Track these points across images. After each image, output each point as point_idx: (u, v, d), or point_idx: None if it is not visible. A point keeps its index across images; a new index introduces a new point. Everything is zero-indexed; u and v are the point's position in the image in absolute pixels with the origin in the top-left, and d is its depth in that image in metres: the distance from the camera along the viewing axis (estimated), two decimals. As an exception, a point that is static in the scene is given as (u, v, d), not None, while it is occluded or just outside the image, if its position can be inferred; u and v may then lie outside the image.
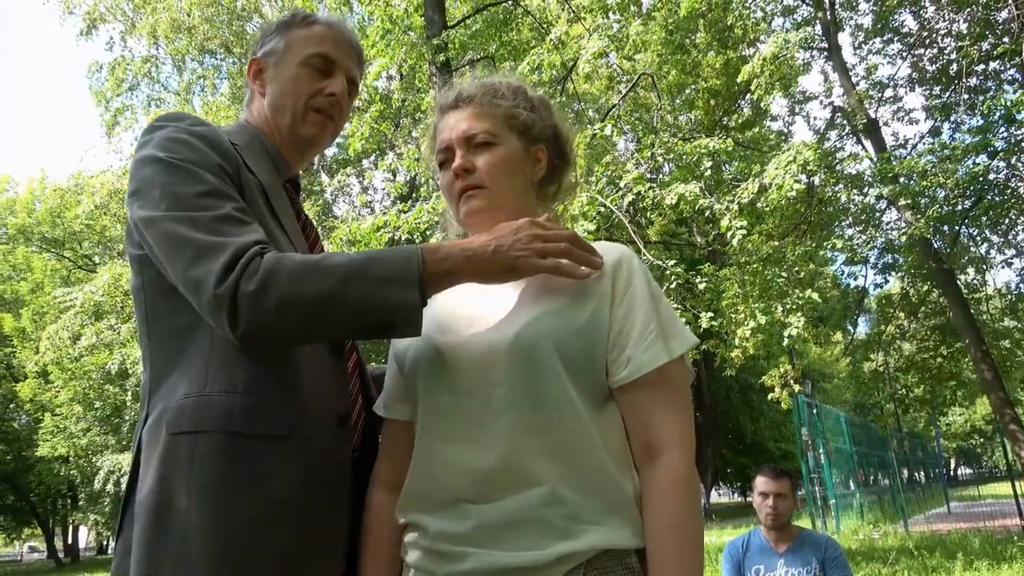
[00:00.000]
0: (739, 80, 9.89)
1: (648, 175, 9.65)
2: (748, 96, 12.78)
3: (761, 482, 3.48)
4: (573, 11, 10.48)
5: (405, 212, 9.72)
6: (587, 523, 1.01)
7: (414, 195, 18.07)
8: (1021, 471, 11.04)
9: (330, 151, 25.30)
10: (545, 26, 11.08)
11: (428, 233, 10.17)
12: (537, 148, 1.23)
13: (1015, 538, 9.84)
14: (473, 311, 1.17)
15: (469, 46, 11.52)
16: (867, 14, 12.77)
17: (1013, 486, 13.39)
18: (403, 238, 9.96)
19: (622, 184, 8.74)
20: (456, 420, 1.09)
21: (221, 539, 1.05)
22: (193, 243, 1.08)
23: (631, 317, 1.09)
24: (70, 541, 32.34)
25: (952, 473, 44.79)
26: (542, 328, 1.07)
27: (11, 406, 24.84)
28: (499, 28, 11.24)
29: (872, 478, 18.85)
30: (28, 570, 29.08)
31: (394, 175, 17.62)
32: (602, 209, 8.80)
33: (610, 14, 10.67)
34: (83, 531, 34.43)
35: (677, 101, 12.82)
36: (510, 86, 1.25)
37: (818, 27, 12.32)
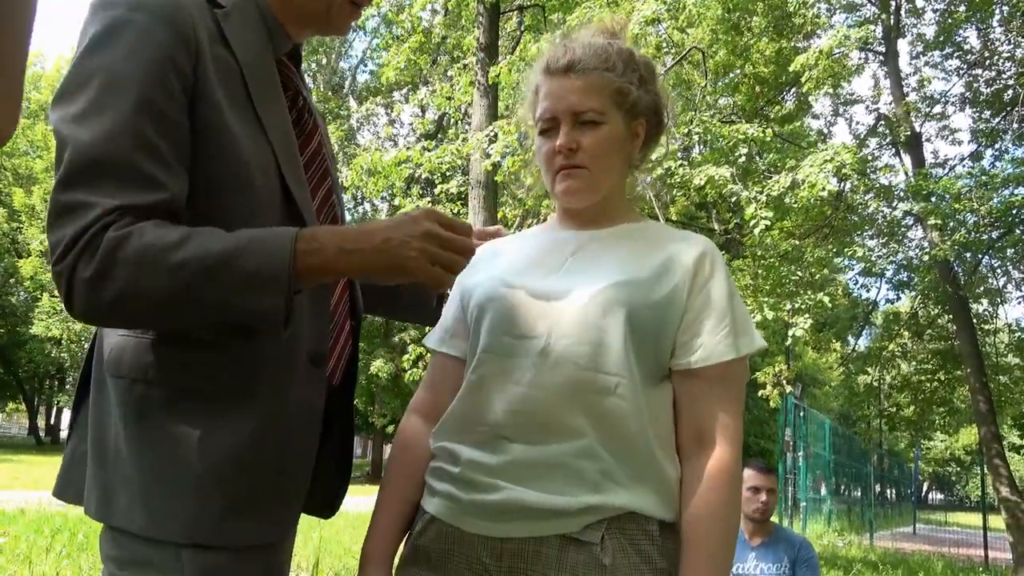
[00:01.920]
0: (791, 69, 9.62)
1: (679, 153, 9.47)
2: (794, 89, 12.49)
3: (752, 476, 3.47)
4: (633, -29, 10.14)
5: (429, 151, 9.57)
6: (618, 483, 1.04)
7: (440, 135, 17.85)
8: (996, 506, 11.08)
9: (361, 77, 24.97)
10: (602, -18, 10.75)
11: (448, 174, 10.03)
12: (638, 123, 1.19)
13: (979, 569, 9.93)
14: (551, 262, 1.17)
15: (521, -10, 11.21)
16: (931, 24, 12.38)
17: (984, 518, 13.49)
18: (423, 176, 9.83)
19: (653, 157, 8.57)
20: (513, 361, 1.09)
21: (160, 490, 0.97)
22: (59, 197, 0.91)
23: (708, 307, 1.11)
24: (52, 422, 32.93)
25: (923, 496, 45.27)
26: (619, 294, 1.07)
27: (11, 280, 25.00)
28: (555, -24, 10.91)
29: (846, 488, 19.04)
30: (10, 443, 29.67)
31: (423, 111, 17.35)
32: (628, 178, 8.66)
33: (671, -19, 10.34)
34: (66, 414, 35.09)
35: (721, 83, 12.52)
36: (621, 54, 1.17)
37: (879, 29, 11.95)
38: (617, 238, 1.18)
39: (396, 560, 1.17)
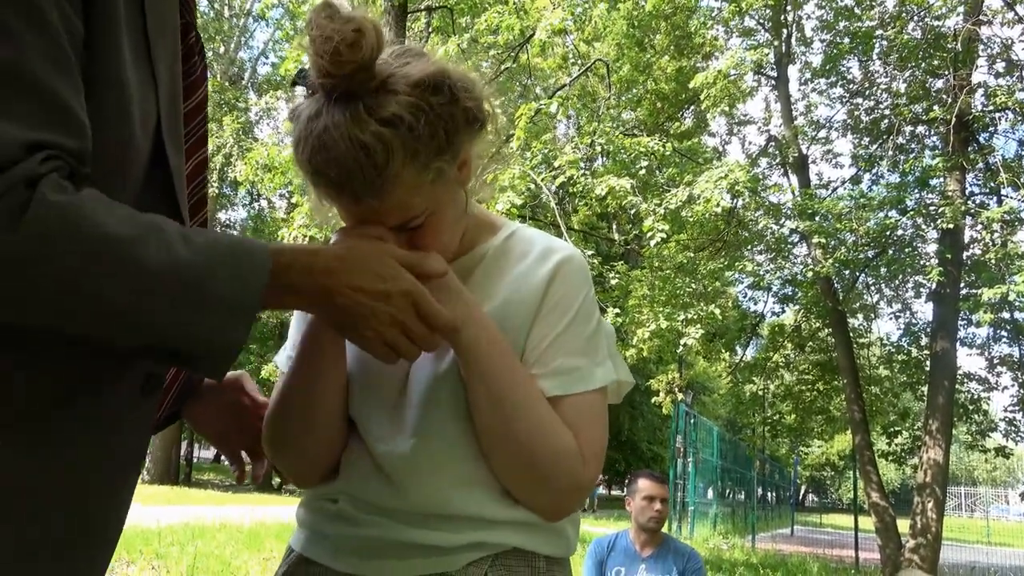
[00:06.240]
0: (691, 86, 9.94)
1: (582, 164, 9.60)
2: (693, 107, 12.95)
3: (648, 486, 3.49)
4: (542, -20, 10.23)
5: (330, 147, 9.28)
6: (503, 522, 0.95)
7: (343, 133, 17.34)
8: (866, 509, 11.79)
9: (263, 69, 24.08)
10: (511, -11, 10.79)
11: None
12: (462, 162, 0.93)
13: (851, 571, 10.51)
14: None
15: (430, -9, 11.09)
16: (818, 53, 13.12)
17: (855, 521, 14.35)
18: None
19: (556, 164, 8.64)
20: (377, 418, 0.97)
21: None
22: None
23: (553, 345, 0.97)
24: None
25: (800, 499, 47.91)
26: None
27: None
28: (464, -21, 10.86)
29: (730, 492, 19.86)
30: None
31: (326, 108, 16.90)
32: (532, 186, 8.69)
33: (578, -7, 10.49)
34: None
35: (624, 97, 12.82)
36: (418, 108, 0.85)
37: (771, 55, 12.55)
38: (466, 273, 1.00)
39: None
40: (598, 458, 0.97)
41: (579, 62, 11.26)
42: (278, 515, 10.73)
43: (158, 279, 0.68)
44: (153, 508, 8.94)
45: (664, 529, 3.64)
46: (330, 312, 0.83)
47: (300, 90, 0.89)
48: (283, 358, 1.07)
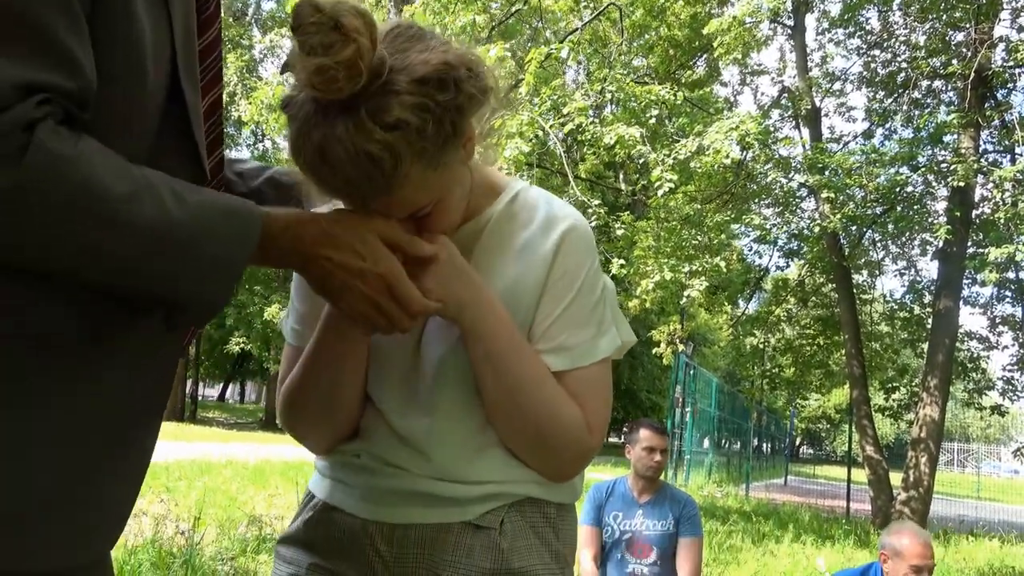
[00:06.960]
0: (705, 31, 9.72)
1: (592, 111, 9.45)
2: (705, 56, 12.67)
3: (647, 436, 3.53)
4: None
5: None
6: (518, 479, 0.99)
7: (349, 74, 17.06)
8: (860, 462, 11.99)
9: (267, 5, 23.60)
10: (523, -73, 10.45)
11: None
12: (467, 136, 0.89)
13: (842, 520, 10.75)
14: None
15: (439, -73, 10.74)
16: (837, 2, 12.78)
17: (848, 473, 14.60)
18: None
19: (565, 111, 8.52)
20: (390, 391, 1.00)
21: None
22: None
23: (559, 321, 0.98)
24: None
25: (795, 450, 48.71)
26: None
27: None
28: (475, -84, 10.52)
29: (727, 442, 20.18)
30: None
31: (332, 47, 16.58)
32: (540, 133, 8.58)
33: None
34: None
35: (636, 43, 12.54)
36: (427, 109, 0.80)
37: (789, 2, 12.22)
38: (470, 242, 0.99)
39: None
40: (602, 426, 1.00)
41: (591, 5, 10.98)
42: (282, 453, 10.96)
43: (152, 238, 0.70)
44: (161, 444, 9.14)
45: (661, 477, 3.70)
46: (310, 279, 0.87)
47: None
48: (288, 329, 1.07)
